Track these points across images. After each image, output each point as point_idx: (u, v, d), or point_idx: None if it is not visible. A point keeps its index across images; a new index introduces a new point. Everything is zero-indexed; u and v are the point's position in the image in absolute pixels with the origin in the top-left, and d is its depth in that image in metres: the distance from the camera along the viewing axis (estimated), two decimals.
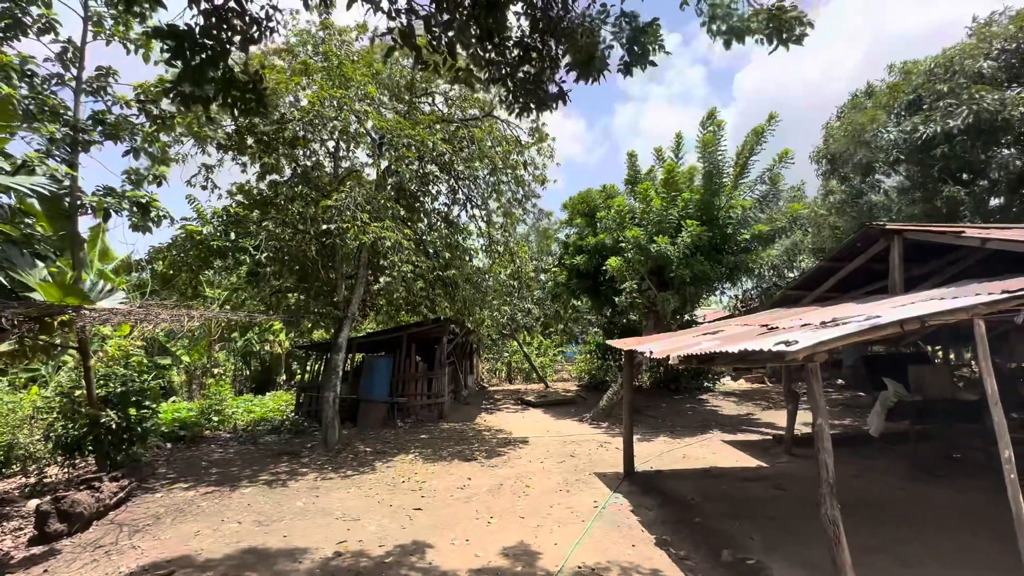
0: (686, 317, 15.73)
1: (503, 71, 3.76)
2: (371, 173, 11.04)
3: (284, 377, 20.92)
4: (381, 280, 10.94)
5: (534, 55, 3.61)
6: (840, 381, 16.83)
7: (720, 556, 4.89)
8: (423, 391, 13.20)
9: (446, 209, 11.75)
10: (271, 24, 3.95)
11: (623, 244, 11.47)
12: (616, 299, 12.07)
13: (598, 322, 19.09)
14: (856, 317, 4.25)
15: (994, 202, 12.86)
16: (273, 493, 7.12)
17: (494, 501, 6.69)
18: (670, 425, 11.95)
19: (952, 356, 14.96)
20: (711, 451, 9.37)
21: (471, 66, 3.50)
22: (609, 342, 8.25)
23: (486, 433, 11.36)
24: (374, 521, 6.00)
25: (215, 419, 11.62)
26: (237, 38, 3.92)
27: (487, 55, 3.48)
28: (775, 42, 3.62)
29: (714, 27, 3.86)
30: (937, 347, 13.50)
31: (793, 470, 7.87)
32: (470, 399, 16.40)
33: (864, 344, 6.87)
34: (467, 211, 11.50)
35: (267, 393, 17.41)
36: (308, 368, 15.29)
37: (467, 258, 11.57)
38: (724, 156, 11.56)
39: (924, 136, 10.87)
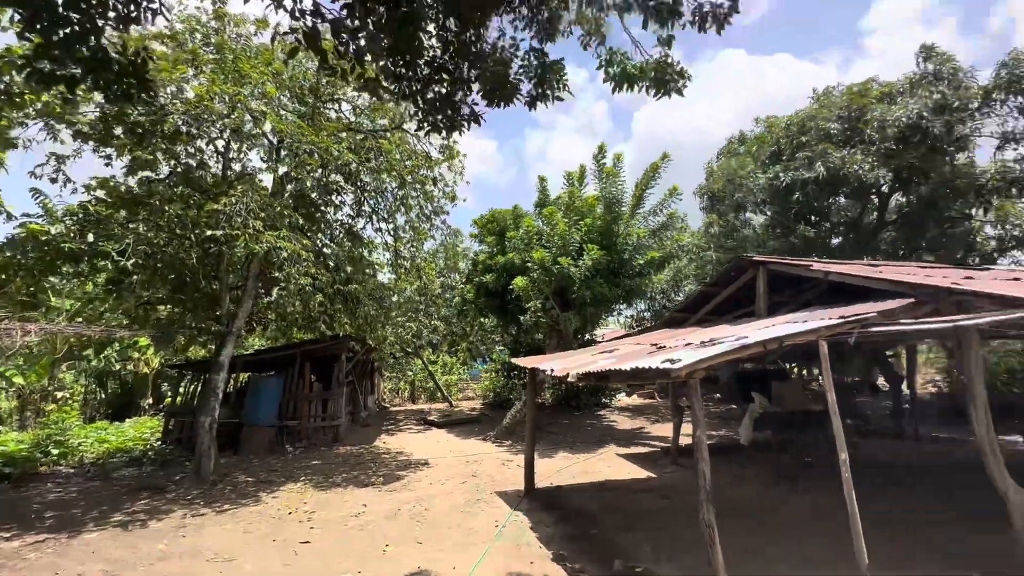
0: (587, 336, 16.50)
1: (414, 87, 3.73)
2: (267, 178, 10.28)
3: (151, 401, 18.37)
4: (274, 293, 10.14)
5: (445, 75, 3.63)
6: (717, 395, 18.62)
7: (612, 567, 5.09)
8: (317, 413, 12.33)
9: (350, 221, 11.26)
10: (152, 5, 3.55)
11: (530, 264, 11.78)
12: (522, 318, 12.32)
13: (504, 340, 19.31)
14: (728, 337, 4.75)
15: (835, 241, 15.27)
16: (128, 536, 6.15)
17: (391, 527, 6.38)
18: (570, 441, 12.33)
19: (804, 372, 17.26)
20: (607, 464, 9.80)
21: (380, 77, 3.42)
22: (513, 360, 8.37)
23: (385, 456, 10.86)
24: (253, 559, 5.41)
25: (55, 452, 9.82)
26: (112, 14, 3.47)
27: (398, 69, 3.43)
28: (660, 91, 4.00)
29: (610, 71, 4.18)
30: (793, 364, 15.51)
31: (678, 480, 8.49)
32: (370, 420, 15.64)
33: (736, 361, 7.67)
34: (373, 224, 11.13)
35: (128, 420, 15.15)
36: (181, 390, 13.58)
37: (371, 272, 11.13)
38: (623, 187, 12.45)
39: (784, 183, 12.63)
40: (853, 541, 4.19)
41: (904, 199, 13.82)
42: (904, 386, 11.82)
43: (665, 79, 3.99)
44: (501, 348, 19.66)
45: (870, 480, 7.55)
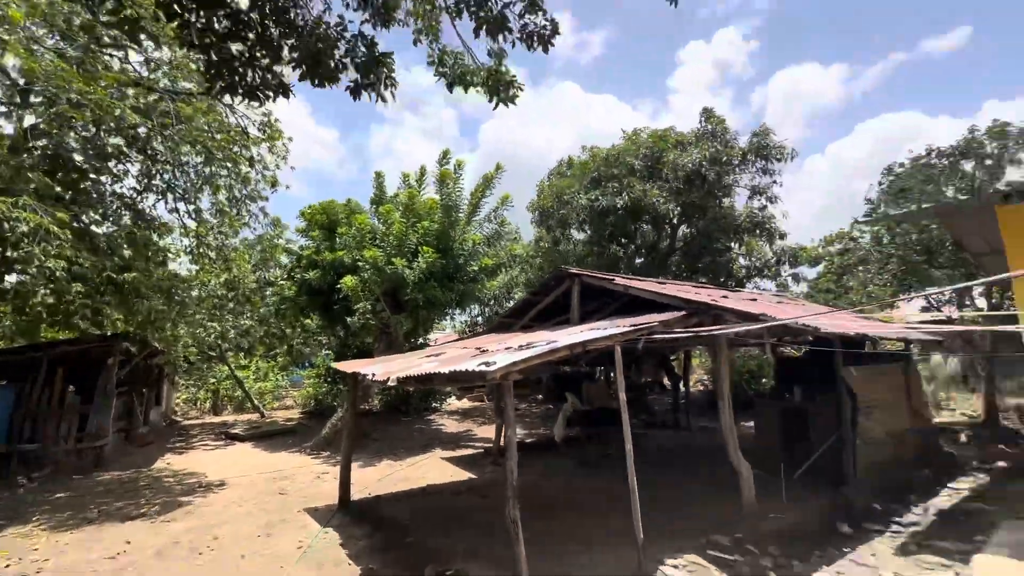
0: (420, 340, 16.30)
1: (207, 40, 3.18)
2: (6, 127, 7.88)
3: None
4: (9, 279, 7.83)
5: (250, 35, 3.17)
6: (540, 396, 20.07)
7: (424, 574, 5.00)
8: (71, 432, 9.79)
9: (135, 196, 9.24)
10: None
11: (361, 263, 11.19)
12: (349, 319, 11.61)
13: (331, 343, 17.99)
14: (542, 342, 5.09)
15: (639, 261, 17.74)
16: None
17: (163, 565, 5.33)
18: (396, 447, 11.96)
19: (611, 374, 19.68)
20: (431, 469, 9.73)
21: (142, 16, 2.81)
22: (333, 364, 7.78)
23: (168, 479, 9.13)
24: None
25: None
26: None
27: (186, 15, 2.87)
28: (494, 97, 4.12)
29: (442, 71, 4.16)
30: (602, 367, 17.52)
31: (497, 478, 8.82)
32: (152, 437, 13.02)
33: (554, 364, 8.30)
34: (167, 203, 9.30)
35: None
36: None
37: (160, 259, 9.26)
38: (462, 193, 12.66)
39: (600, 207, 14.27)
40: (633, 519, 4.81)
41: (688, 230, 16.75)
42: (681, 385, 14.24)
43: (498, 87, 4.11)
44: (327, 352, 18.27)
45: (654, 464, 8.87)
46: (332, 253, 11.87)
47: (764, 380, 16.23)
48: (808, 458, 7.71)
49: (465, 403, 20.49)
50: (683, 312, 6.13)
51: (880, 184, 14.55)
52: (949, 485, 7.46)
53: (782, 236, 15.56)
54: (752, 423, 10.34)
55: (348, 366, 7.17)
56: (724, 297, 8.08)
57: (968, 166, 12.43)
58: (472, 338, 10.24)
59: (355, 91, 4.15)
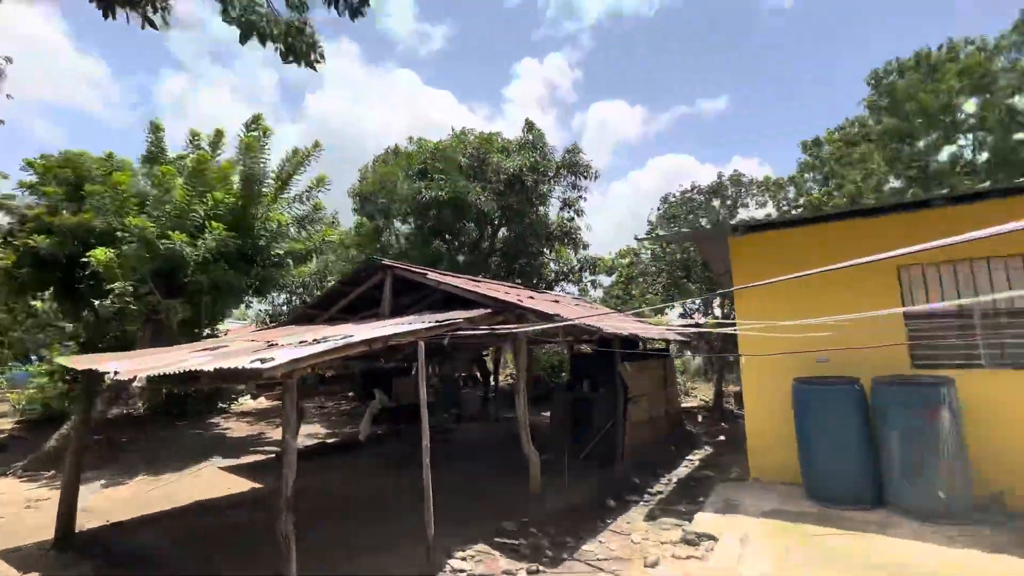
0: (205, 331, 13.91)
1: None
2: None
3: None
4: None
5: None
6: (351, 393, 18.98)
7: None
8: None
9: None
10: None
11: (122, 233, 8.99)
12: (98, 303, 9.23)
13: (76, 332, 14.14)
14: (339, 336, 4.68)
15: (461, 258, 18.09)
16: None
17: None
18: (160, 458, 9.94)
19: (430, 369, 19.66)
20: (204, 482, 8.32)
21: None
22: (59, 360, 6.02)
23: None
24: None
25: None
26: None
27: None
28: (291, 57, 3.60)
29: (232, 13, 3.49)
30: (415, 362, 17.43)
31: None
32: None
33: (359, 359, 7.82)
34: None
35: None
36: None
37: None
38: (267, 165, 11.13)
39: (424, 199, 14.11)
40: (426, 515, 4.75)
41: (508, 233, 17.68)
42: (492, 379, 14.95)
43: (295, 45, 3.60)
44: (67, 343, 14.34)
45: (461, 457, 9.04)
46: (76, 217, 9.28)
47: (563, 374, 18.05)
48: (590, 442, 8.75)
49: (263, 403, 18.22)
50: (490, 310, 6.33)
51: (658, 210, 17.50)
52: (687, 457, 9.24)
53: (585, 247, 17.53)
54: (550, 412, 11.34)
55: (83, 361, 5.63)
56: (530, 298, 8.66)
57: (716, 203, 15.76)
58: (268, 330, 9.08)
59: (106, 7, 3.23)
